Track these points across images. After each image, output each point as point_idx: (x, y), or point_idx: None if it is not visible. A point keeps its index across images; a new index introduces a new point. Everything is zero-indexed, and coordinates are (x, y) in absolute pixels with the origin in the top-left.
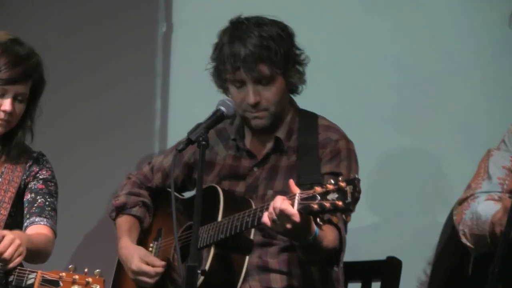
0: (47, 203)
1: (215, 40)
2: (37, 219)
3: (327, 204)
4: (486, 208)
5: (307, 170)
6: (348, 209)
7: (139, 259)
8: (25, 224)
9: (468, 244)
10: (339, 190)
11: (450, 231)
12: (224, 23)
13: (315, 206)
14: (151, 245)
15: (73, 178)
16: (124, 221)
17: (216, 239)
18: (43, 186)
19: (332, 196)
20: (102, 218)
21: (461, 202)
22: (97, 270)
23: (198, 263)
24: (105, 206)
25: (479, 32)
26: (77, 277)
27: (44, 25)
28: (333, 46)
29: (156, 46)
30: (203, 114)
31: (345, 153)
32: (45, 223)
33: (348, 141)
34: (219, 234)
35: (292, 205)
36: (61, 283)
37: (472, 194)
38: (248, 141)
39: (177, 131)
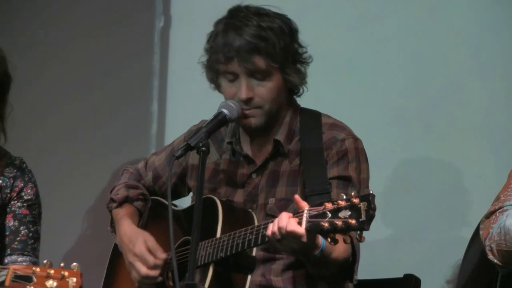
0: (30, 234)
1: None
2: (20, 258)
3: (339, 223)
4: None
5: (312, 175)
6: (362, 228)
7: (144, 242)
8: (6, 260)
9: (495, 260)
10: (352, 207)
11: (476, 246)
12: None
13: (326, 225)
14: None
15: (66, 183)
16: (125, 207)
17: (215, 258)
18: (27, 212)
19: (344, 213)
20: (96, 223)
21: (488, 215)
22: (74, 264)
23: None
24: (99, 211)
25: (500, 31)
26: (52, 271)
27: (34, 20)
28: (348, 45)
29: (152, 42)
30: (203, 117)
31: (353, 153)
32: (28, 263)
33: (355, 139)
34: (218, 252)
35: (300, 223)
36: (34, 279)
37: (500, 207)
38: (244, 144)
39: (175, 136)
